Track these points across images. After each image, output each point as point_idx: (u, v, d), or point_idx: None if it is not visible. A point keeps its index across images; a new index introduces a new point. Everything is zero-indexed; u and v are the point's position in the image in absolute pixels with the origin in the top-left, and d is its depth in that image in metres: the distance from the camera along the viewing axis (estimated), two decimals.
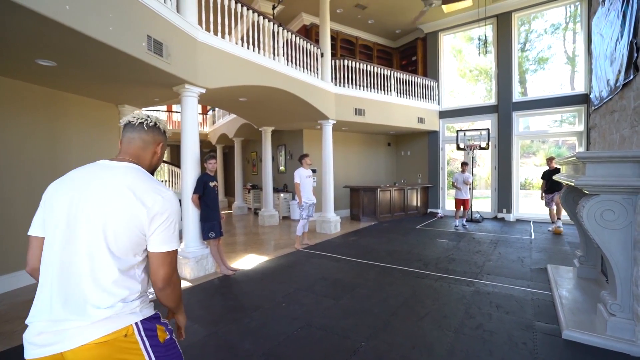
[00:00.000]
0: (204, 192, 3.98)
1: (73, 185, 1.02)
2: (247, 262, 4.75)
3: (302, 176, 5.44)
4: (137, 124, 1.13)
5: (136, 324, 0.99)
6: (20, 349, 1.00)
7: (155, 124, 1.17)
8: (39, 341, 0.91)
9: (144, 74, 3.66)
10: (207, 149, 14.74)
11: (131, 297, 1.00)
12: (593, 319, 2.61)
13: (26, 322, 0.95)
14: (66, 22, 2.35)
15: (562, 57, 8.06)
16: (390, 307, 3.09)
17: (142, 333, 1.00)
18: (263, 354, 2.32)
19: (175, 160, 12.81)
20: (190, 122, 4.18)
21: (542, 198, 6.74)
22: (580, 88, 7.28)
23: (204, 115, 13.70)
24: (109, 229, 0.96)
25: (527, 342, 2.43)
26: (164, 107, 13.89)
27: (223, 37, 4.46)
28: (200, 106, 13.66)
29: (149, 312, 1.06)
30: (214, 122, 12.36)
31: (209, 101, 6.35)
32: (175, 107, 14.47)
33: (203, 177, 4.02)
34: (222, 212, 4.31)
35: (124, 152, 1.13)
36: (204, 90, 4.23)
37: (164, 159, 8.33)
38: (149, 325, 1.02)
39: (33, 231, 1.04)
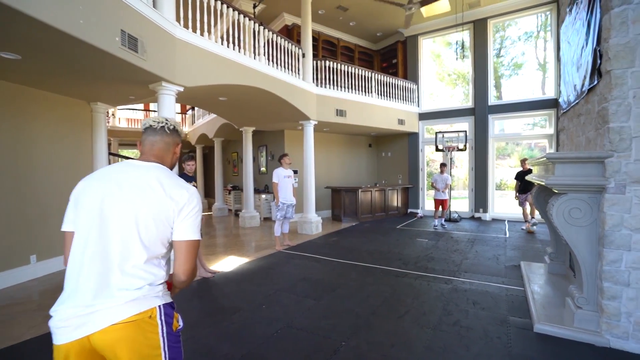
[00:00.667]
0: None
1: (103, 181, 1.11)
2: (227, 264, 4.66)
3: (281, 176, 5.40)
4: (158, 128, 1.23)
5: (159, 306, 1.07)
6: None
7: (174, 127, 1.27)
8: (68, 324, 0.97)
9: (118, 71, 3.53)
10: (186, 149, 14.41)
11: (157, 282, 1.09)
12: (562, 312, 2.73)
13: (50, 311, 1.00)
14: (32, 13, 2.23)
15: (534, 64, 8.43)
16: (370, 306, 3.11)
17: (163, 317, 1.07)
18: (242, 357, 2.28)
19: None
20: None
21: (516, 198, 7.00)
22: (550, 93, 7.63)
23: (183, 115, 13.39)
24: (141, 220, 1.06)
25: (501, 336, 2.51)
26: (141, 106, 13.48)
27: (202, 34, 4.37)
28: (179, 105, 13.37)
29: (169, 299, 1.14)
30: (193, 122, 12.10)
31: (187, 100, 6.21)
32: (152, 106, 14.07)
33: (181, 178, 3.91)
34: (202, 213, 4.21)
35: (147, 153, 1.22)
36: (181, 89, 4.13)
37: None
38: (169, 310, 1.10)
39: (66, 227, 1.11)
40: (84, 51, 2.93)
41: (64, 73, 3.61)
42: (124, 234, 1.04)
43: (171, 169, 1.28)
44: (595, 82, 2.53)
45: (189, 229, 1.12)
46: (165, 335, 1.07)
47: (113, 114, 11.83)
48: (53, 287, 3.79)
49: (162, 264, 1.13)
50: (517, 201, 6.97)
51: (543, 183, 2.65)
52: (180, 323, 1.15)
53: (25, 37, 2.62)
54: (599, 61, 2.46)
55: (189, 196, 1.13)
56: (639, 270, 2.23)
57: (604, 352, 2.26)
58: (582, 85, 2.89)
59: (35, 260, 4.15)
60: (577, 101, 3.13)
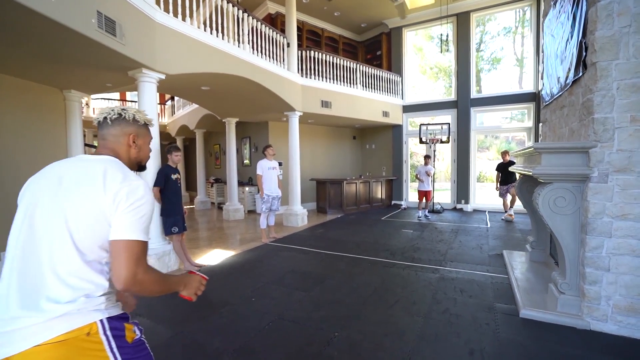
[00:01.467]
0: (166, 185, 3.74)
1: (45, 177, 0.98)
2: (213, 257, 4.56)
3: (265, 168, 5.31)
4: (101, 119, 1.08)
5: (101, 321, 0.91)
6: None
7: (120, 114, 1.08)
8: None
9: (94, 55, 3.32)
10: (166, 141, 13.95)
11: (97, 292, 0.92)
12: (545, 297, 2.83)
13: None
14: None
15: (512, 59, 8.64)
16: (360, 297, 3.12)
17: (108, 332, 0.91)
18: (234, 351, 2.23)
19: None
20: (149, 109, 3.87)
21: (497, 189, 7.20)
22: (529, 87, 7.85)
23: (163, 106, 12.91)
24: (72, 219, 0.91)
25: (489, 322, 2.57)
26: (117, 96, 12.90)
27: (184, 19, 4.18)
28: (158, 95, 12.90)
29: (116, 311, 0.97)
30: (173, 113, 11.69)
31: (168, 89, 5.97)
32: (129, 96, 13.50)
33: (164, 169, 3.77)
34: (185, 206, 4.09)
35: (100, 147, 1.10)
36: (163, 76, 3.95)
37: None
38: (115, 324, 0.94)
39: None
40: (57, 33, 2.73)
41: (35, 57, 3.37)
42: (53, 236, 0.90)
43: (137, 165, 1.17)
44: (580, 74, 2.59)
45: (126, 226, 0.92)
46: (116, 350, 0.91)
47: (87, 104, 11.25)
48: None
49: (106, 270, 0.96)
50: (498, 192, 7.18)
51: (530, 173, 2.71)
52: (137, 332, 1.00)
53: None
54: (584, 53, 2.51)
55: (130, 189, 0.95)
56: (618, 256, 2.33)
57: (584, 334, 2.36)
58: (567, 78, 2.96)
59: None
60: (560, 93, 3.21)
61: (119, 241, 0.92)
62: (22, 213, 0.94)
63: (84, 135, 10.94)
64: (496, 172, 7.16)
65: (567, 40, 2.95)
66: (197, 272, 1.19)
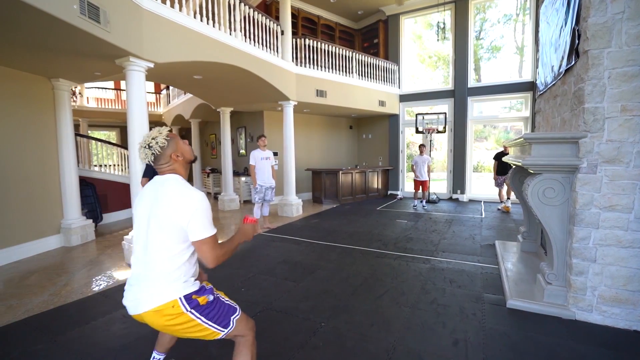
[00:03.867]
0: (154, 176, 3.70)
1: (145, 196, 1.40)
2: None
3: (257, 158, 5.28)
4: (148, 162, 1.39)
5: (180, 298, 1.31)
6: None
7: (154, 154, 1.37)
8: (129, 304, 1.34)
9: (78, 43, 3.24)
10: None
11: (181, 277, 1.33)
12: (533, 288, 2.84)
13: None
14: None
15: (512, 47, 8.51)
16: (350, 287, 3.13)
17: (185, 304, 1.31)
18: (220, 341, 2.24)
19: (125, 143, 11.90)
20: (137, 99, 3.82)
21: (494, 179, 7.14)
22: (527, 76, 7.75)
23: (158, 95, 12.78)
24: (163, 225, 1.31)
25: (476, 312, 2.58)
26: (112, 84, 12.72)
27: (172, 6, 4.07)
28: (153, 84, 12.72)
29: (192, 289, 1.36)
30: (168, 102, 11.57)
31: (159, 78, 5.88)
32: (123, 85, 13.31)
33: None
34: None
35: (162, 171, 1.42)
36: (151, 65, 3.87)
37: (115, 142, 7.85)
38: (189, 299, 1.33)
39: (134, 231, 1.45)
40: (37, 19, 2.66)
41: (18, 45, 3.29)
42: (155, 236, 1.32)
43: (189, 163, 1.49)
44: (573, 62, 2.54)
45: (198, 229, 1.31)
46: (195, 312, 1.32)
47: (80, 93, 11.11)
48: (19, 275, 3.58)
49: (185, 259, 1.35)
50: (495, 182, 7.12)
51: (520, 163, 2.69)
52: (210, 297, 1.39)
53: None
54: (577, 41, 2.46)
55: (190, 200, 1.31)
56: (605, 247, 2.32)
57: (569, 324, 2.37)
58: (560, 66, 2.91)
59: None
60: (553, 82, 3.16)
61: (198, 241, 1.32)
62: (138, 221, 1.39)
63: (78, 126, 10.84)
64: (494, 161, 7.08)
65: (562, 27, 2.88)
66: (248, 218, 1.56)
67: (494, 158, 7.07)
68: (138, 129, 3.82)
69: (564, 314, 2.46)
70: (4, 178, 4.00)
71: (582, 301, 2.41)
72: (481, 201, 8.24)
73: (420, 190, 7.49)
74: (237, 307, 1.51)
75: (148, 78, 4.12)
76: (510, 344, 2.15)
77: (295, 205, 6.79)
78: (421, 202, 7.66)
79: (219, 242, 1.38)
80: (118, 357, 2.08)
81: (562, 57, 2.83)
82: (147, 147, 1.36)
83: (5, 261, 3.97)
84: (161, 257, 1.30)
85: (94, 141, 7.10)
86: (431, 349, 2.11)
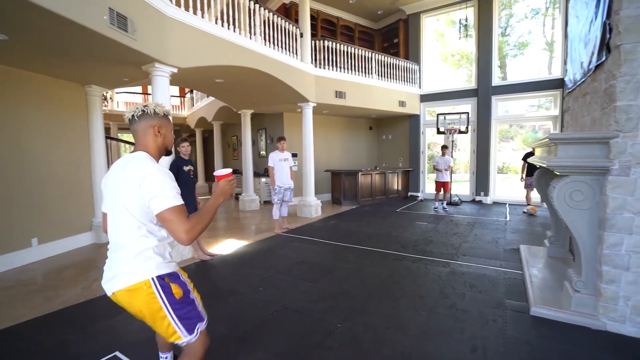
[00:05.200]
0: (178, 177, 3.83)
1: (110, 175, 1.35)
2: (226, 247, 4.68)
3: (276, 159, 5.34)
4: (130, 117, 1.33)
5: (152, 279, 1.26)
6: None
7: (144, 111, 1.32)
8: (105, 284, 1.30)
9: (108, 51, 3.42)
10: (186, 133, 14.31)
11: (152, 256, 1.28)
12: (559, 295, 2.71)
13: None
14: None
15: (541, 43, 8.14)
16: (367, 289, 3.11)
17: (158, 287, 1.27)
18: (238, 338, 2.30)
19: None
20: (162, 102, 3.96)
21: (522, 180, 6.86)
22: (557, 73, 7.40)
23: (182, 98, 13.21)
24: (128, 204, 1.25)
25: (497, 319, 2.50)
26: (139, 89, 13.30)
27: (195, 13, 4.21)
28: (177, 88, 13.17)
29: (167, 270, 1.32)
30: (192, 105, 11.94)
31: (182, 82, 6.08)
32: (150, 89, 13.89)
33: (176, 162, 3.86)
34: (203, 197, 4.19)
35: (136, 143, 1.37)
36: (175, 70, 4.01)
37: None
38: (162, 282, 1.28)
39: (102, 208, 1.42)
40: (71, 30, 2.83)
41: (52, 54, 3.51)
42: (122, 216, 1.27)
43: (165, 151, 1.43)
44: (604, 58, 2.41)
45: (158, 201, 1.21)
46: (165, 299, 1.27)
47: (111, 98, 11.68)
48: (55, 269, 3.82)
49: (157, 238, 1.31)
50: (523, 183, 6.82)
51: (545, 164, 2.58)
52: (184, 291, 1.33)
53: (10, 16, 2.52)
54: (608, 35, 2.33)
55: (147, 173, 1.23)
56: (639, 254, 2.18)
57: (599, 335, 2.25)
58: (590, 62, 2.77)
59: (37, 243, 4.17)
60: (583, 79, 3.01)
61: (160, 214, 1.21)
62: (106, 201, 1.34)
63: (109, 129, 11.39)
64: (522, 162, 6.79)
65: (592, 21, 2.75)
66: (220, 174, 1.40)
67: (522, 159, 6.79)
68: None
69: (593, 324, 2.33)
70: (41, 179, 4.27)
71: (614, 311, 2.27)
72: (506, 203, 7.95)
73: (441, 192, 7.33)
74: (206, 317, 1.44)
75: (172, 82, 4.27)
76: (533, 354, 2.06)
77: (314, 206, 6.82)
78: (442, 204, 7.49)
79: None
80: (141, 351, 2.17)
81: (592, 53, 2.69)
82: (144, 105, 1.33)
83: (43, 256, 4.24)
84: (130, 237, 1.26)
85: (122, 143, 7.44)
86: (448, 355, 2.07)
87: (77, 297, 3.02)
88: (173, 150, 1.49)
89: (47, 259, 4.20)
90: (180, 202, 1.24)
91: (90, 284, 3.35)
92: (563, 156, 2.41)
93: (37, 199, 4.20)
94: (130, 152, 1.35)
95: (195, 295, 1.41)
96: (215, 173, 1.40)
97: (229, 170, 1.43)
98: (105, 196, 1.36)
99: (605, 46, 2.37)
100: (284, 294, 3.03)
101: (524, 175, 6.75)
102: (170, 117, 1.42)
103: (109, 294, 1.29)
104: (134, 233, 1.26)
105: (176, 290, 1.30)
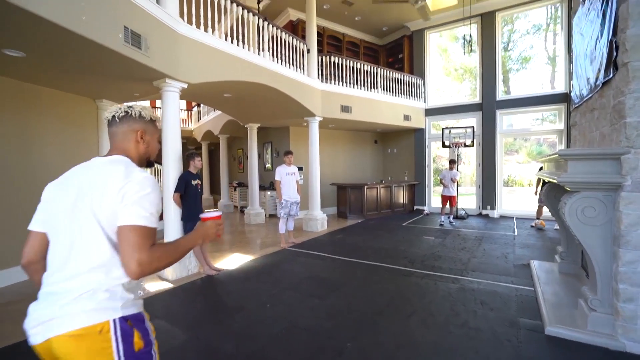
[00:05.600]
0: (186, 191, 3.86)
1: (68, 182, 1.05)
2: (232, 261, 4.65)
3: (283, 173, 5.36)
4: (110, 118, 1.13)
5: (114, 321, 0.95)
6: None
7: (127, 112, 1.12)
8: (35, 327, 0.92)
9: (121, 68, 3.51)
10: (192, 146, 14.45)
11: (118, 292, 0.98)
12: (574, 314, 2.65)
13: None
14: (34, 10, 2.21)
15: (543, 57, 8.23)
16: (376, 306, 3.06)
17: (118, 332, 0.94)
18: (246, 357, 2.26)
19: (158, 158, 12.49)
20: (172, 118, 4.04)
21: (535, 193, 6.75)
22: (560, 87, 7.44)
23: (189, 112, 13.40)
24: (100, 214, 0.97)
25: (511, 338, 2.44)
26: (147, 103, 13.53)
27: (206, 30, 4.32)
28: (185, 102, 13.39)
29: (133, 310, 1.02)
30: (199, 119, 12.10)
31: (191, 96, 6.19)
32: (159, 103, 14.11)
33: (185, 175, 3.90)
34: (208, 209, 4.20)
35: (112, 147, 1.14)
36: (185, 85, 4.10)
37: None
38: (125, 326, 0.97)
39: (33, 226, 1.07)
40: (87, 48, 2.91)
41: (68, 70, 3.60)
42: (84, 234, 0.97)
43: (146, 160, 1.20)
44: (611, 75, 2.43)
45: (129, 212, 0.96)
46: (121, 353, 0.93)
47: None
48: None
49: (118, 268, 0.98)
50: (538, 197, 6.67)
51: (555, 180, 2.57)
52: (145, 342, 1.01)
53: (28, 34, 2.61)
54: (615, 53, 2.35)
55: (133, 180, 1.00)
56: None
57: (619, 356, 2.18)
58: (596, 79, 2.78)
59: None
60: (590, 95, 3.02)
61: (121, 227, 0.95)
62: (56, 216, 1.02)
63: None
64: (537, 176, 6.69)
65: (597, 39, 2.78)
66: (207, 216, 1.19)
67: (537, 173, 6.67)
68: (171, 145, 4.02)
69: (612, 344, 2.26)
70: None
71: (633, 331, 2.21)
72: (513, 217, 7.87)
73: (447, 206, 7.28)
74: None
75: (181, 97, 4.35)
76: None
77: (320, 220, 6.80)
78: (448, 217, 7.43)
79: (160, 242, 1.01)
80: None
81: (599, 70, 2.71)
82: (128, 106, 1.13)
83: None
84: (95, 261, 0.96)
85: None
86: None
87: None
88: (154, 158, 1.26)
89: None
90: (153, 225, 0.99)
91: None
92: (573, 172, 2.40)
93: None
94: (103, 156, 1.11)
95: (156, 350, 1.06)
96: (202, 215, 1.19)
97: (219, 213, 1.23)
98: (49, 208, 1.04)
99: (612, 63, 2.39)
100: (292, 311, 2.99)
101: (539, 189, 6.63)
102: (159, 124, 1.25)
103: (38, 341, 0.91)
104: (101, 256, 0.96)
105: (137, 340, 0.98)
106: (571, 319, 2.58)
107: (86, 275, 0.95)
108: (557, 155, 2.55)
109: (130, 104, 1.15)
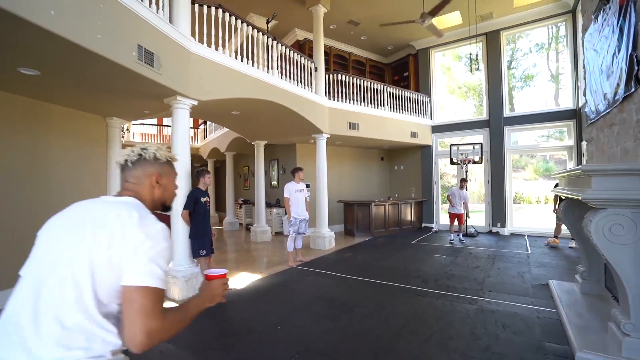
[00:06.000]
0: (195, 208, 3.80)
1: (63, 219, 0.93)
2: (239, 280, 4.53)
3: (292, 190, 5.30)
4: (122, 162, 1.02)
5: None
6: None
7: (140, 155, 1.02)
8: None
9: (133, 85, 3.53)
10: (197, 163, 14.52)
11: (98, 351, 0.81)
12: (605, 339, 2.50)
13: None
14: (51, 29, 2.23)
15: (546, 76, 8.28)
16: (392, 329, 2.92)
17: None
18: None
19: None
20: (182, 135, 4.04)
21: (554, 211, 6.51)
22: (566, 104, 7.43)
23: (195, 130, 13.54)
24: (96, 263, 0.82)
25: None
26: (155, 121, 13.70)
27: (217, 49, 4.38)
28: (192, 120, 13.55)
29: None
30: (205, 137, 12.20)
31: (200, 114, 6.23)
32: (166, 121, 14.31)
33: (194, 193, 3.85)
34: (213, 227, 4.13)
35: (123, 188, 1.04)
36: (195, 102, 4.11)
37: None
38: None
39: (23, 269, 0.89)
40: (102, 66, 2.93)
41: (81, 88, 3.63)
42: (67, 286, 0.81)
43: (161, 205, 1.09)
44: (633, 89, 2.39)
45: (140, 270, 0.83)
46: None
47: (128, 129, 12.04)
48: None
49: (105, 329, 0.83)
50: (556, 215, 6.47)
51: (579, 197, 2.48)
52: None
53: (45, 52, 2.63)
54: (635, 67, 2.32)
55: (147, 234, 0.87)
56: None
57: None
58: (615, 94, 2.74)
59: None
60: (608, 110, 2.97)
61: (129, 288, 0.81)
62: (36, 258, 0.88)
63: None
64: (554, 193, 6.51)
65: (614, 54, 2.75)
66: (212, 274, 1.08)
67: (553, 190, 6.49)
68: (181, 162, 3.98)
69: None
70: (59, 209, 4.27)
71: None
72: (525, 235, 7.68)
73: (455, 223, 7.14)
74: None
75: (190, 114, 4.37)
76: None
77: (327, 238, 6.68)
78: (458, 235, 7.27)
79: (167, 306, 0.88)
80: None
81: (618, 85, 2.67)
82: (142, 148, 1.03)
83: None
84: (72, 322, 0.79)
85: None
86: None
87: None
88: (168, 204, 1.14)
89: None
90: (163, 287, 0.86)
91: None
92: (599, 188, 2.31)
93: None
94: (114, 195, 1.02)
95: None
96: (207, 272, 1.10)
97: (224, 271, 1.12)
98: (39, 251, 0.89)
99: (634, 77, 2.35)
100: (304, 333, 2.86)
101: (557, 207, 6.41)
102: (176, 164, 1.13)
103: None
104: (79, 318, 0.79)
105: None
106: (602, 344, 2.43)
107: (52, 332, 0.78)
108: (579, 171, 2.47)
109: (143, 145, 1.05)
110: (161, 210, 1.11)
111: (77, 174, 4.55)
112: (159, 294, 0.84)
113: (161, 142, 12.95)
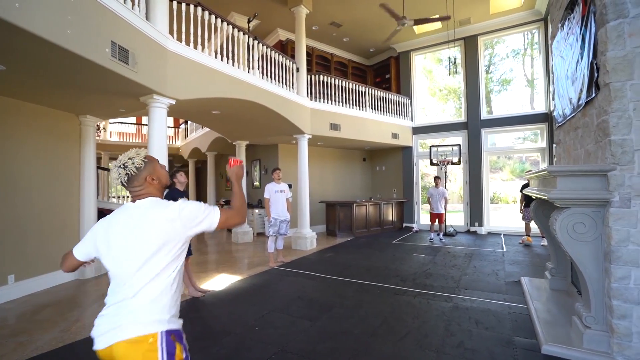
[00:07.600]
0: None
1: (120, 222, 1.25)
2: (219, 282, 4.47)
3: (272, 191, 5.28)
4: (120, 183, 1.30)
5: (161, 333, 1.14)
6: None
7: (128, 175, 1.27)
8: (102, 335, 1.14)
9: (107, 82, 3.43)
10: (178, 163, 14.23)
11: (165, 310, 1.19)
12: (569, 332, 2.62)
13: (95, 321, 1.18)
14: (16, 22, 2.14)
15: (522, 80, 8.60)
16: (369, 327, 2.96)
17: (164, 343, 1.13)
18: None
19: None
20: (158, 134, 3.95)
21: (521, 212, 6.74)
22: (540, 108, 7.73)
23: (176, 129, 13.27)
24: (159, 241, 1.19)
25: (508, 358, 2.38)
26: (133, 120, 13.34)
27: (196, 47, 4.32)
28: (172, 119, 13.28)
29: (175, 326, 1.21)
30: (186, 136, 11.98)
31: (179, 113, 6.12)
32: (144, 120, 13.94)
33: (171, 193, 3.77)
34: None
35: (135, 194, 1.32)
36: (173, 102, 4.03)
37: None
38: (169, 340, 1.15)
39: (77, 254, 1.35)
40: (72, 62, 2.84)
41: (51, 85, 3.50)
42: (140, 262, 1.17)
43: (164, 189, 1.40)
44: (593, 94, 2.51)
45: (201, 222, 1.27)
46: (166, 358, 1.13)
47: (104, 128, 11.66)
48: (31, 309, 3.55)
49: (168, 289, 1.20)
50: (522, 215, 6.71)
51: (545, 197, 2.59)
52: (184, 356, 1.19)
53: (10, 47, 2.52)
54: (596, 74, 2.45)
55: (178, 206, 1.25)
56: None
57: None
58: (579, 99, 2.88)
59: (14, 280, 3.91)
60: (573, 114, 3.12)
61: (219, 223, 1.30)
62: (113, 251, 1.22)
63: (100, 159, 11.26)
64: (520, 194, 6.75)
65: (577, 61, 2.89)
66: (233, 160, 1.51)
67: (520, 190, 6.73)
68: None
69: None
70: (30, 210, 4.10)
71: (629, 349, 2.19)
72: (500, 234, 7.94)
73: (436, 223, 7.30)
74: None
75: (169, 114, 4.28)
76: None
77: (309, 238, 6.68)
78: (438, 235, 7.44)
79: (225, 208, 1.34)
80: None
81: (581, 90, 2.81)
82: (122, 166, 1.26)
83: (20, 294, 3.96)
84: (153, 281, 1.17)
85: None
86: None
87: (55, 342, 2.78)
88: (169, 180, 1.53)
89: (24, 298, 3.92)
90: (217, 209, 1.32)
91: (70, 326, 3.10)
92: (563, 188, 2.43)
93: (19, 231, 4.00)
94: (135, 201, 1.30)
95: None
96: (231, 158, 1.52)
97: (241, 159, 1.53)
98: (103, 246, 1.25)
99: (594, 84, 2.48)
100: (282, 334, 2.85)
101: (522, 207, 6.68)
102: (151, 154, 1.36)
103: (103, 346, 1.12)
104: (158, 276, 1.18)
105: (179, 353, 1.16)
106: (567, 337, 2.55)
107: (140, 292, 1.15)
108: (545, 171, 2.59)
109: (119, 163, 1.27)
110: (165, 188, 1.42)
111: (47, 174, 4.38)
112: (221, 210, 1.32)
113: (140, 141, 12.61)
